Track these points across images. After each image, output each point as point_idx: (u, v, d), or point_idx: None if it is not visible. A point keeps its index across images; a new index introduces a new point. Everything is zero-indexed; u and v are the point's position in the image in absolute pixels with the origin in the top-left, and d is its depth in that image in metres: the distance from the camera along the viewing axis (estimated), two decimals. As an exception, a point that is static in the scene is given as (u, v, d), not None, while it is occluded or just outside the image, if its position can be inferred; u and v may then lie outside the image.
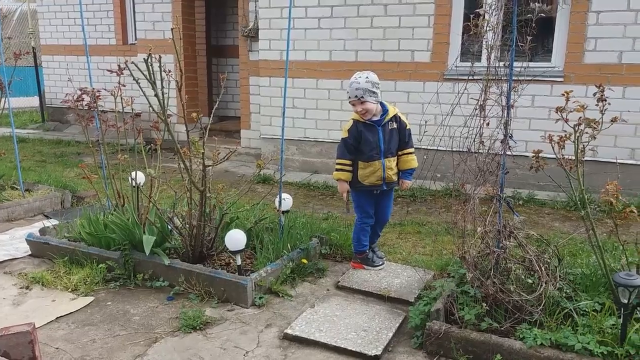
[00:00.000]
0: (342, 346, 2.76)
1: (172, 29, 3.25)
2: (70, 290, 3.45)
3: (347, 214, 3.65)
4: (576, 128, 2.65)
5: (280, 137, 3.95)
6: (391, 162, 3.56)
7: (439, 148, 2.99)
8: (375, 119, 3.50)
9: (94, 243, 3.79)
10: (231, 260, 3.64)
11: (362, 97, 3.40)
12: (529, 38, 2.68)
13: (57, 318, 3.12)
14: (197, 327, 2.97)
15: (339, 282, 3.57)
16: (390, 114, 3.53)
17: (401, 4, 6.23)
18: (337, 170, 3.59)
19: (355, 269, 3.76)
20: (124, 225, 3.68)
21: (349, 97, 3.47)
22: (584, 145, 2.68)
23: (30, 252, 4.04)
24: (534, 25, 2.68)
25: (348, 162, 3.55)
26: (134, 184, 3.91)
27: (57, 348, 2.80)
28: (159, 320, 3.11)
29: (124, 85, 3.90)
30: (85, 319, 3.12)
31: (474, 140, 2.85)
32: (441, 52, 6.14)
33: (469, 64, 2.89)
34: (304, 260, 3.69)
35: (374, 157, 3.50)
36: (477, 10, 2.80)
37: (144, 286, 3.51)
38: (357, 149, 3.52)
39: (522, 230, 2.91)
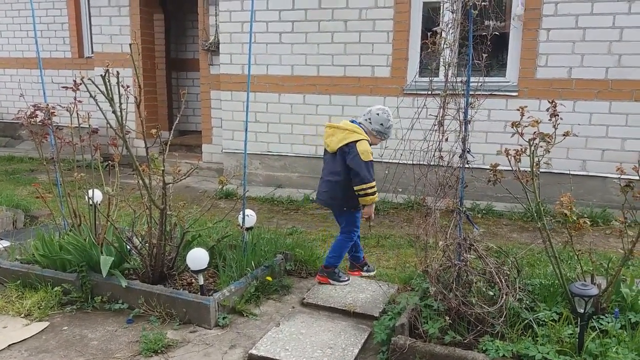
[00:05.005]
0: (308, 364, 2.73)
1: (130, 45, 3.20)
2: (23, 315, 3.30)
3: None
4: (531, 142, 2.74)
5: (243, 152, 3.91)
6: None
7: (400, 162, 3.04)
8: None
9: (49, 265, 3.64)
10: (193, 280, 3.56)
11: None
12: (484, 55, 2.77)
13: (9, 346, 2.97)
14: (159, 351, 2.89)
15: (304, 298, 3.54)
16: None
17: (361, 20, 6.33)
18: (370, 195, 3.53)
19: (322, 283, 3.75)
20: (81, 246, 3.55)
21: (385, 133, 3.67)
22: (539, 159, 2.77)
23: (-21, 276, 3.85)
24: (489, 42, 2.77)
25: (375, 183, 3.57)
26: (90, 202, 3.79)
27: (8, 378, 2.67)
28: (119, 344, 3.00)
29: (80, 101, 3.79)
30: (39, 345, 2.99)
31: (433, 155, 2.91)
32: (401, 67, 6.25)
33: (428, 79, 2.95)
34: (269, 278, 3.65)
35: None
36: (435, 28, 2.88)
37: (103, 309, 3.39)
38: None
39: (481, 242, 2.97)
